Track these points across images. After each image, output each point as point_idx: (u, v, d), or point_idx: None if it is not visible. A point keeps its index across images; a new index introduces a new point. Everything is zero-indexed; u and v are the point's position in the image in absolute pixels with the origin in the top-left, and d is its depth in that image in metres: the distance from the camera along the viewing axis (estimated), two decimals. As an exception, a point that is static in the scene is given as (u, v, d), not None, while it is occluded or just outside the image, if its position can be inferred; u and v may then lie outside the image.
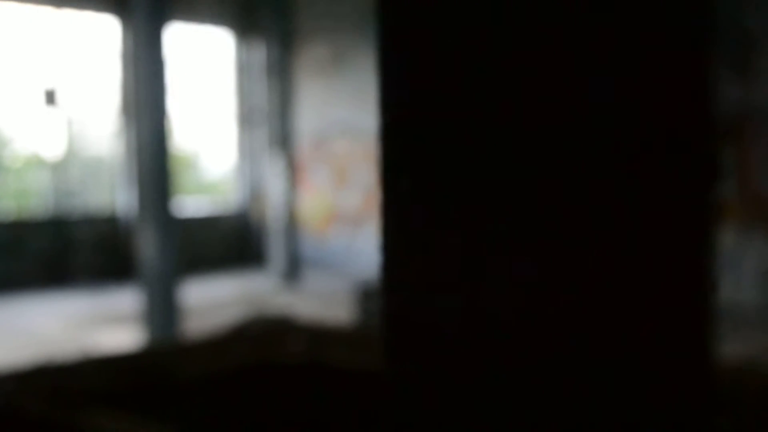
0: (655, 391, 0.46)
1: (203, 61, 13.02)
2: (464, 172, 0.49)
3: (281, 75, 11.86)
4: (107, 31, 11.35)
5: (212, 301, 9.39)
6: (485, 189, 0.49)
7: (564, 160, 0.47)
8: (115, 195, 11.71)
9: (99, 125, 11.63)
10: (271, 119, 11.95)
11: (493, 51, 0.49)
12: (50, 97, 10.88)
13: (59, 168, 11.25)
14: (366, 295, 6.32)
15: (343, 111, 11.93)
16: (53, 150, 11.22)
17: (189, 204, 12.51)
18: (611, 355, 0.47)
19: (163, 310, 7.15)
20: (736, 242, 7.98)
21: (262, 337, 2.56)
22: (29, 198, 11.23)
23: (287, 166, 11.62)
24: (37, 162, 11.38)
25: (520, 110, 0.48)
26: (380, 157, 0.54)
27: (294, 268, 11.70)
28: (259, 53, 12.89)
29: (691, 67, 0.47)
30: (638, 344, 0.46)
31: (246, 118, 13.32)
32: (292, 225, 11.83)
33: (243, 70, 13.30)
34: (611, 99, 0.47)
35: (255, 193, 13.32)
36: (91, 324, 8.07)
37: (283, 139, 11.72)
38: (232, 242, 13.15)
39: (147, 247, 7.11)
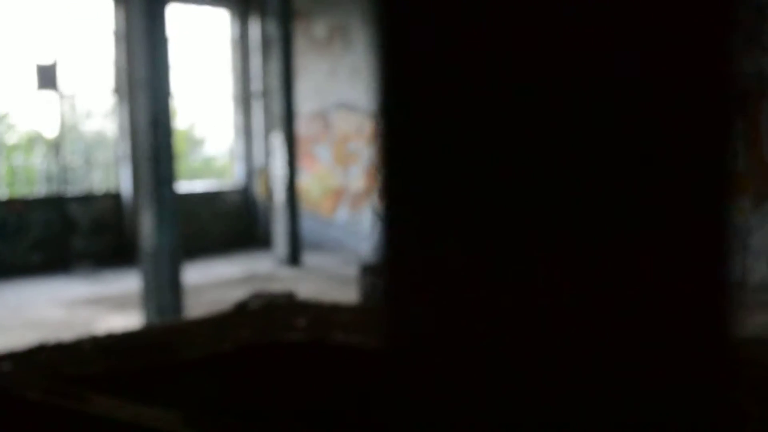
0: (672, 371, 0.44)
1: (201, 40, 12.94)
2: (466, 160, 0.47)
3: (281, 52, 11.77)
4: (101, 8, 11.27)
5: (214, 280, 9.39)
6: (488, 175, 0.47)
7: (571, 130, 0.44)
8: (116, 174, 11.68)
9: (97, 103, 11.59)
10: (271, 97, 11.90)
11: (497, 34, 0.46)
12: (47, 75, 10.82)
13: (58, 147, 11.21)
14: (369, 273, 6.32)
15: (344, 88, 11.87)
16: (51, 129, 11.18)
17: (189, 184, 12.49)
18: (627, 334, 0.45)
19: (164, 290, 7.16)
20: (748, 216, 7.97)
21: (265, 316, 2.55)
22: (28, 177, 11.21)
23: (288, 144, 11.57)
24: (35, 141, 11.35)
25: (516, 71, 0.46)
26: (380, 139, 0.52)
27: (296, 247, 11.69)
28: (259, 31, 12.81)
29: (711, 33, 0.44)
30: (654, 321, 0.44)
31: (246, 97, 13.26)
32: (293, 203, 11.81)
33: (242, 48, 13.22)
34: (629, 71, 0.44)
35: (256, 172, 13.30)
36: (92, 305, 8.08)
37: (284, 117, 11.67)
38: (233, 221, 13.14)
39: (147, 226, 7.10)
